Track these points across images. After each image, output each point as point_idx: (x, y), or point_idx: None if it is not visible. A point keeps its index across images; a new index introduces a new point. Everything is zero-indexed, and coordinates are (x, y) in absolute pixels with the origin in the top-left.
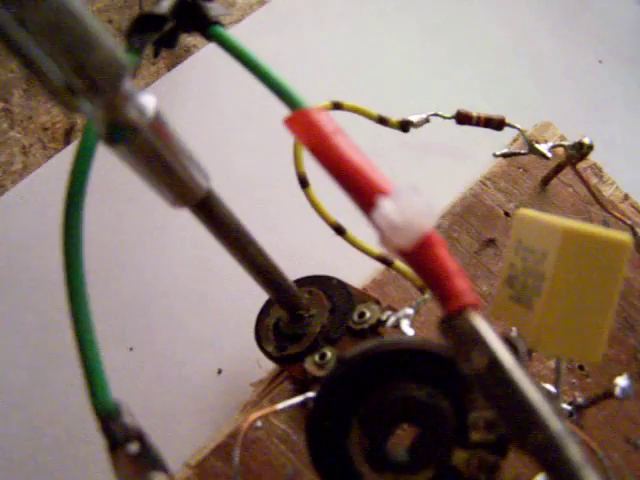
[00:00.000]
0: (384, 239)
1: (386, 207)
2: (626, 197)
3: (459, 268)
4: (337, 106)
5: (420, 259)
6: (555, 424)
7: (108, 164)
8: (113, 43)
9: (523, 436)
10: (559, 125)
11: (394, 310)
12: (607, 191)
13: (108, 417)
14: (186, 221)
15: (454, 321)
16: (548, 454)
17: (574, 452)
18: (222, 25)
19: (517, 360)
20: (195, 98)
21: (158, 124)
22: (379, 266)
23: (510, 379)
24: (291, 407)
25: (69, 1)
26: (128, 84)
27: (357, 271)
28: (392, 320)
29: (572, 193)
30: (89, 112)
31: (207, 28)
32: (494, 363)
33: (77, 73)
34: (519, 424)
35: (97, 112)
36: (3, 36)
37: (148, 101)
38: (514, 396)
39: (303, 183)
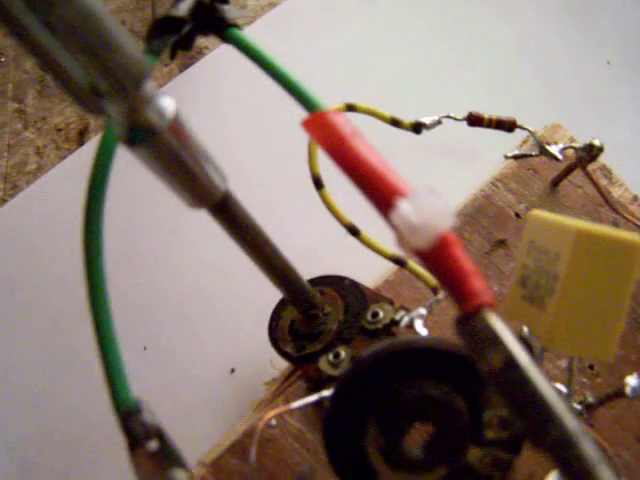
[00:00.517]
0: (401, 240)
1: (404, 208)
2: (635, 198)
3: (475, 268)
4: (351, 108)
5: (437, 259)
6: (570, 421)
7: (124, 164)
8: (135, 46)
9: (538, 433)
10: (568, 127)
11: (407, 310)
12: (616, 192)
13: (129, 415)
14: (200, 221)
15: (471, 320)
16: (563, 451)
17: (589, 449)
18: (239, 27)
19: (532, 359)
20: (207, 99)
21: (177, 126)
22: (391, 266)
23: (526, 377)
24: (305, 406)
25: (92, 4)
26: (149, 86)
27: (370, 272)
28: (406, 320)
29: (582, 194)
30: (110, 114)
31: (224, 30)
32: (510, 362)
33: (100, 76)
34: (535, 421)
35: (118, 114)
36: (28, 39)
37: (168, 103)
38: (530, 394)
39: (318, 184)
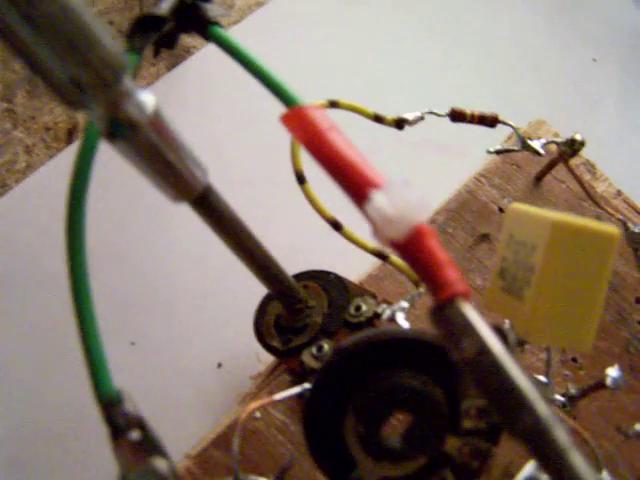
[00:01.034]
0: (376, 231)
1: (378, 200)
2: (619, 193)
3: (450, 258)
4: (333, 104)
5: (412, 250)
6: (542, 409)
7: (109, 160)
8: (113, 41)
9: (511, 421)
10: (554, 123)
11: (390, 304)
12: (600, 187)
13: (110, 405)
14: (186, 217)
15: (444, 310)
16: (535, 438)
17: (561, 435)
18: (220, 25)
19: (506, 348)
20: (194, 98)
21: (157, 121)
22: (375, 261)
23: (499, 365)
24: (289, 398)
25: (71, 2)
26: (127, 82)
27: (354, 266)
28: (388, 313)
29: (565, 189)
30: (90, 109)
31: (206, 28)
32: (483, 350)
33: (78, 71)
34: (507, 409)
35: (98, 109)
36: (9, 35)
37: (147, 99)
38: (503, 382)
39: (300, 179)
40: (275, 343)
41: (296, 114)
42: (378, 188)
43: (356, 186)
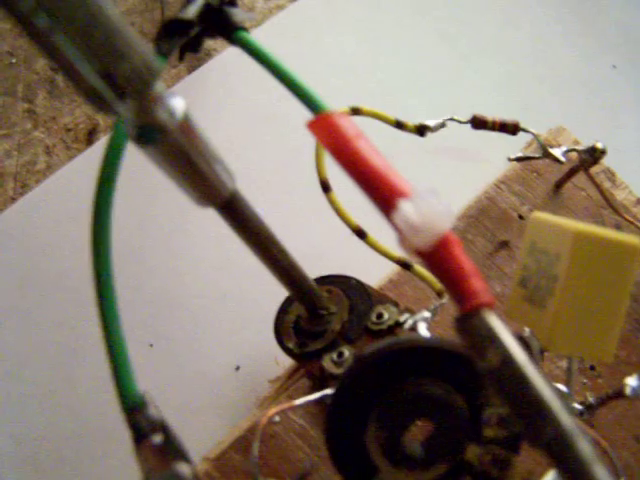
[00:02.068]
0: (403, 240)
1: (405, 209)
2: (639, 201)
3: (475, 268)
4: (356, 111)
5: (438, 259)
6: (566, 420)
7: (135, 161)
8: (146, 48)
9: (535, 431)
10: (573, 130)
11: (412, 312)
12: (620, 195)
13: (134, 409)
14: (207, 219)
15: (470, 319)
16: (559, 449)
17: (585, 448)
18: (246, 30)
19: (530, 358)
20: (215, 101)
21: (187, 125)
22: (395, 267)
23: (523, 375)
24: (308, 403)
25: (104, 9)
26: (159, 87)
27: (373, 271)
28: (410, 323)
29: (585, 197)
30: (121, 113)
31: (232, 33)
32: (507, 360)
33: (110, 77)
34: (531, 419)
35: (129, 114)
36: (41, 40)
37: (178, 103)
38: (526, 392)
39: (325, 188)
40: (291, 345)
41: (323, 121)
42: (405, 197)
43: (383, 195)
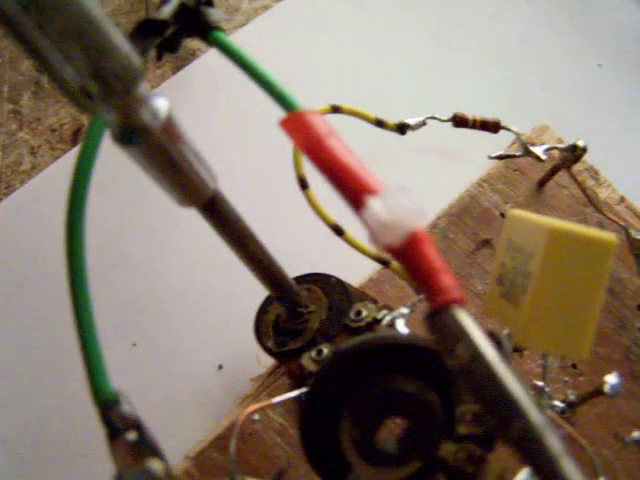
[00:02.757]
0: (373, 236)
1: (374, 206)
2: (622, 199)
3: (445, 265)
4: (336, 109)
5: (408, 256)
6: (534, 416)
7: (115, 161)
8: (129, 48)
9: (504, 427)
10: (558, 128)
11: (390, 309)
12: (603, 193)
13: (108, 406)
14: (190, 219)
15: (439, 316)
16: (528, 445)
17: (553, 443)
18: (222, 30)
19: (500, 354)
20: (199, 101)
21: (170, 126)
22: (376, 266)
23: (492, 372)
24: (288, 401)
25: (88, 8)
26: (142, 87)
27: (355, 270)
28: (388, 319)
29: (568, 195)
30: (104, 114)
31: (207, 33)
32: (477, 356)
33: (94, 77)
34: (500, 415)
35: (112, 114)
36: (23, 40)
37: (161, 104)
38: (496, 388)
39: (303, 185)
40: (270, 344)
41: (295, 119)
42: (375, 194)
43: (353, 192)
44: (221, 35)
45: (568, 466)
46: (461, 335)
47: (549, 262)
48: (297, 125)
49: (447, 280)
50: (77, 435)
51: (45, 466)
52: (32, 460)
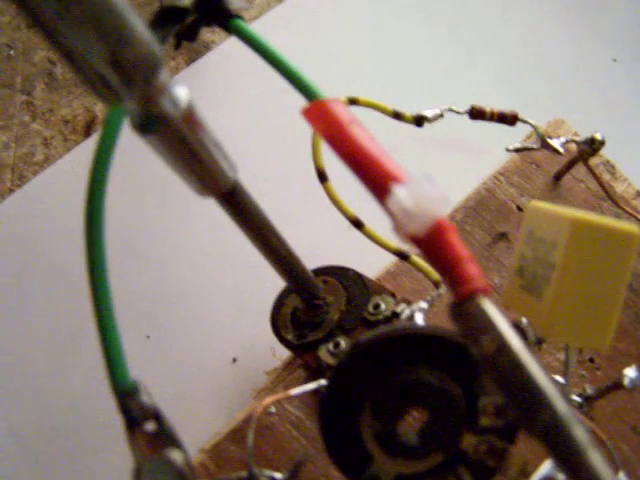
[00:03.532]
0: (397, 226)
1: (399, 194)
2: (638, 193)
3: (470, 254)
4: (353, 101)
5: (432, 245)
6: (561, 406)
7: (128, 154)
8: (150, 37)
9: (530, 418)
10: (573, 122)
11: (409, 303)
12: (620, 187)
13: (126, 396)
14: (204, 210)
15: (464, 306)
16: (554, 435)
17: (579, 434)
18: (242, 18)
19: (525, 344)
20: (213, 93)
21: (190, 115)
22: (392, 258)
23: (518, 362)
24: (304, 393)
25: None
26: (163, 76)
27: (371, 263)
28: (407, 313)
29: (584, 189)
30: (124, 103)
31: (227, 21)
32: (503, 346)
33: (114, 66)
34: (526, 406)
35: (132, 103)
36: (42, 28)
37: (182, 92)
38: (522, 378)
39: (322, 177)
40: (290, 337)
41: (318, 107)
42: (399, 182)
43: (377, 180)
44: (242, 23)
45: (595, 458)
46: (487, 325)
47: (572, 253)
48: (320, 113)
49: (472, 269)
50: (89, 427)
51: (57, 458)
52: (44, 452)
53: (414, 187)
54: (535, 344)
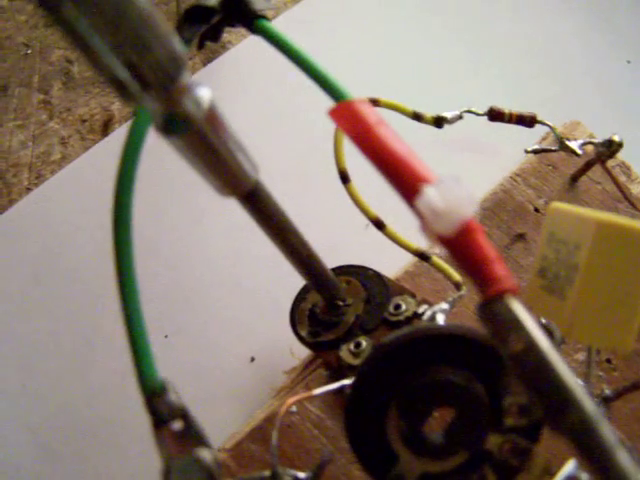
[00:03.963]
0: (426, 226)
1: (429, 194)
2: None
3: (498, 254)
4: (374, 103)
5: (460, 245)
6: (589, 406)
7: (151, 151)
8: (174, 38)
9: (558, 417)
10: (588, 125)
11: (430, 304)
12: (635, 189)
13: (154, 395)
14: (222, 210)
15: (493, 305)
16: (582, 435)
17: (607, 433)
18: (267, 18)
19: (553, 344)
20: (230, 93)
21: (213, 115)
22: (410, 258)
23: (547, 361)
24: (326, 393)
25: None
26: (186, 77)
27: (387, 262)
28: (428, 314)
29: (601, 190)
30: (146, 104)
31: (252, 21)
32: (531, 345)
33: (138, 67)
34: (555, 405)
35: (155, 104)
36: (68, 29)
37: (204, 93)
38: (550, 377)
39: (344, 179)
40: (304, 333)
41: (345, 108)
42: (429, 183)
43: (407, 180)
44: (267, 23)
45: (623, 457)
46: (515, 324)
47: (596, 254)
48: (347, 114)
49: (500, 269)
50: (106, 426)
51: (74, 457)
52: (61, 450)
53: (443, 188)
54: (559, 342)
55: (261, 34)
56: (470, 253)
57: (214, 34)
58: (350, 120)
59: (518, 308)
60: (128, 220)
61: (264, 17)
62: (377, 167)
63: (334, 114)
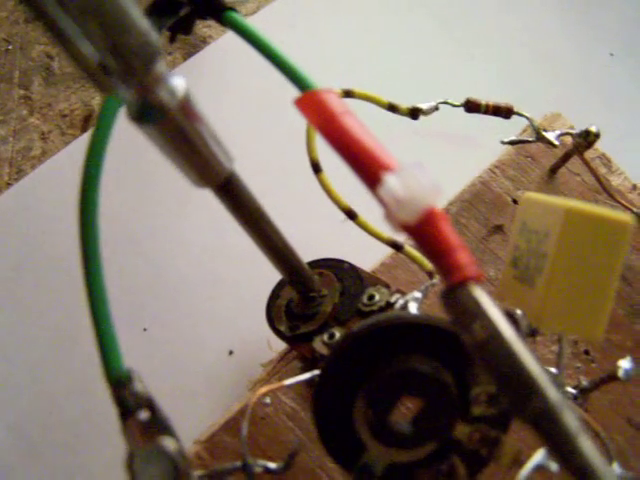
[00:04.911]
0: (389, 214)
1: (390, 182)
2: (634, 187)
3: (462, 242)
4: (348, 94)
5: (424, 233)
6: (552, 393)
7: (124, 147)
8: (148, 26)
9: (521, 405)
10: (570, 117)
11: (403, 293)
12: (616, 181)
13: (120, 384)
14: (200, 203)
15: (456, 293)
16: (545, 422)
17: (570, 420)
18: (236, 11)
19: (517, 333)
20: (210, 88)
21: (187, 105)
22: (388, 250)
23: (510, 349)
24: (299, 384)
25: None
26: (160, 66)
27: (367, 255)
28: (400, 303)
29: (580, 182)
30: (121, 92)
31: (221, 14)
32: (494, 333)
33: (112, 55)
34: (518, 393)
35: (129, 93)
36: (41, 15)
37: (179, 83)
38: (513, 365)
39: (316, 169)
40: (282, 328)
41: (310, 98)
42: (390, 171)
43: (369, 169)
44: (235, 15)
45: (586, 444)
46: (478, 312)
47: (565, 242)
48: (312, 104)
49: (464, 257)
50: (86, 418)
51: (55, 449)
52: (42, 443)
53: (405, 175)
54: (529, 335)
55: (230, 26)
56: (433, 241)
57: (185, 27)
58: (315, 109)
59: (481, 296)
60: (94, 212)
61: (233, 9)
62: (341, 156)
63: (300, 103)
